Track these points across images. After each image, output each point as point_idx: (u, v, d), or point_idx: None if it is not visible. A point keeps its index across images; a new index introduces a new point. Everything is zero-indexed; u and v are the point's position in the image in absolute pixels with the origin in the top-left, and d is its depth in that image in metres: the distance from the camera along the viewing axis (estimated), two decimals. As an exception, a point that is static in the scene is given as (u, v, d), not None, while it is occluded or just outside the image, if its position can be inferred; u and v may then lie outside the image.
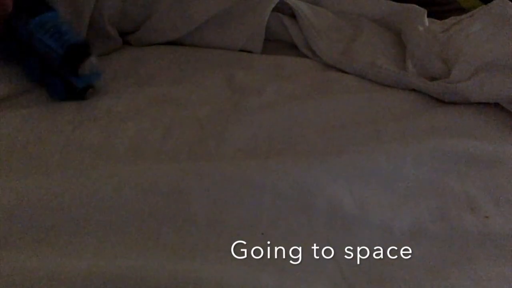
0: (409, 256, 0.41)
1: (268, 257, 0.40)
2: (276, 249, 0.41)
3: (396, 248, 0.42)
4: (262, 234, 0.42)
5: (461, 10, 0.71)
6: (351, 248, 0.42)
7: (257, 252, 0.40)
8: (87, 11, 0.66)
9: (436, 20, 0.73)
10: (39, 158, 0.48)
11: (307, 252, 0.41)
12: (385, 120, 0.57)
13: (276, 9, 0.72)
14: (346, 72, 0.68)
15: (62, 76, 0.56)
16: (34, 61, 0.57)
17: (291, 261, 0.40)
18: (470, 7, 0.75)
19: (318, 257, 0.41)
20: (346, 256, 0.41)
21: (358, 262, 0.41)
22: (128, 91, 0.60)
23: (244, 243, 0.41)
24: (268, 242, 0.41)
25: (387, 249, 0.42)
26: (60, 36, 0.55)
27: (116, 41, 0.70)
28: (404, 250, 0.42)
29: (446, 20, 0.71)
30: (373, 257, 0.41)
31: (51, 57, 0.55)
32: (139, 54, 0.68)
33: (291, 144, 0.52)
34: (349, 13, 0.78)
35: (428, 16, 0.73)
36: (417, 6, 0.74)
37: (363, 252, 0.42)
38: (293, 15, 0.75)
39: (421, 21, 0.71)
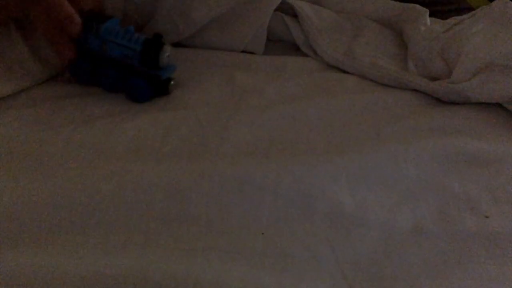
0: (410, 256, 0.41)
1: (268, 257, 0.40)
2: (276, 249, 0.41)
3: (396, 247, 0.42)
4: (262, 234, 0.42)
5: (469, 10, 0.70)
6: (352, 247, 0.42)
7: (257, 252, 0.40)
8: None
9: (438, 20, 0.73)
10: (39, 158, 0.48)
11: (307, 252, 0.41)
12: (386, 120, 0.57)
13: (277, 8, 0.72)
14: (347, 72, 0.68)
15: (143, 74, 0.57)
16: (111, 71, 0.58)
17: (291, 261, 0.40)
18: (478, 7, 0.75)
19: (318, 257, 0.41)
20: (346, 256, 0.41)
21: (359, 262, 0.41)
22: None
23: (244, 243, 0.41)
24: (268, 242, 0.41)
25: (387, 248, 0.42)
26: (131, 35, 0.56)
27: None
28: (404, 249, 0.42)
29: (448, 20, 0.71)
30: (374, 257, 0.41)
31: (128, 57, 0.56)
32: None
33: (291, 144, 0.52)
34: (350, 13, 0.78)
35: (433, 15, 0.73)
36: (418, 6, 0.74)
37: (363, 252, 0.42)
38: (294, 15, 0.75)
39: (422, 21, 0.71)
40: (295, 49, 0.74)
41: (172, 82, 0.59)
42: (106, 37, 0.56)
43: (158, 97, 0.59)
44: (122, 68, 0.57)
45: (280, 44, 0.75)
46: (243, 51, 0.72)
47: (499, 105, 0.59)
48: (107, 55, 0.57)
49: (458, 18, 0.70)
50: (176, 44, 0.71)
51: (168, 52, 0.57)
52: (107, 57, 0.57)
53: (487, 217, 0.45)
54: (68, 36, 0.55)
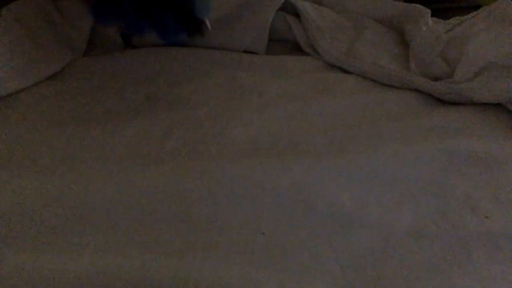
0: (410, 256, 0.41)
1: (268, 257, 0.40)
2: (276, 249, 0.41)
3: (396, 247, 0.42)
4: (262, 234, 0.42)
5: (476, 8, 0.70)
6: (352, 247, 0.42)
7: (257, 252, 0.40)
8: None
9: (439, 20, 0.73)
10: (39, 158, 0.48)
11: (308, 252, 0.41)
12: (387, 120, 0.57)
13: (279, 7, 0.72)
14: (349, 72, 0.68)
15: (173, 9, 0.51)
16: (139, 9, 0.51)
17: (291, 261, 0.40)
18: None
19: (318, 257, 0.41)
20: (346, 256, 0.41)
21: (359, 262, 0.41)
22: (128, 90, 0.60)
23: (244, 243, 0.41)
24: (268, 242, 0.41)
25: (387, 248, 0.42)
26: None
27: (118, 41, 0.70)
28: (404, 249, 0.42)
29: (449, 20, 0.71)
30: (374, 257, 0.41)
31: None
32: (140, 54, 0.69)
33: (292, 144, 0.52)
34: (352, 13, 0.78)
35: (442, 13, 0.73)
36: (420, 6, 0.74)
37: (364, 252, 0.42)
38: (296, 14, 0.75)
39: (424, 21, 0.71)
40: (296, 49, 0.74)
41: (207, 23, 0.53)
42: None
43: (190, 36, 0.53)
44: (148, 4, 0.51)
45: (282, 43, 0.75)
46: (245, 51, 0.72)
47: (500, 105, 0.59)
48: None
49: (460, 18, 0.70)
50: (178, 44, 0.71)
51: None
52: None
53: (487, 217, 0.45)
54: None
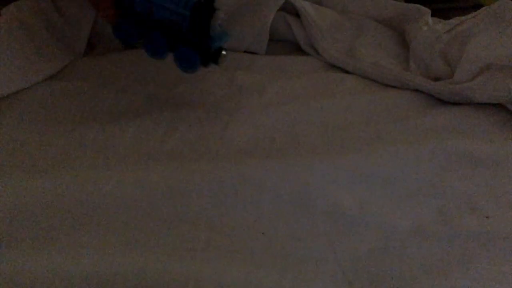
0: (410, 256, 0.41)
1: (268, 257, 0.40)
2: (276, 249, 0.41)
3: (396, 247, 0.42)
4: (262, 234, 0.42)
5: (476, 8, 0.70)
6: (352, 247, 0.42)
7: (257, 252, 0.40)
8: (92, 16, 0.67)
9: (440, 20, 0.73)
10: (39, 158, 0.48)
11: (308, 252, 0.41)
12: (387, 120, 0.57)
13: (279, 7, 0.72)
14: (349, 72, 0.68)
15: (192, 42, 0.52)
16: (158, 35, 0.52)
17: (291, 261, 0.40)
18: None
19: (318, 257, 0.41)
20: (346, 256, 0.41)
21: (359, 262, 0.41)
22: (129, 90, 0.60)
23: (244, 243, 0.41)
24: (268, 242, 0.41)
25: (387, 248, 0.42)
26: None
27: (118, 42, 0.70)
28: (404, 249, 0.42)
29: (450, 21, 0.71)
30: (374, 257, 0.41)
31: (177, 23, 0.51)
32: (140, 54, 0.68)
33: (292, 144, 0.52)
34: (352, 13, 0.78)
35: (444, 13, 0.73)
36: (421, 6, 0.74)
37: (363, 252, 0.42)
38: (296, 14, 0.75)
39: (425, 21, 0.71)
40: (296, 49, 0.74)
41: (223, 52, 0.53)
42: None
43: (206, 67, 0.54)
44: (169, 33, 0.52)
45: (282, 44, 0.75)
46: (245, 51, 0.72)
47: (500, 106, 0.59)
48: (154, 18, 0.52)
49: (460, 18, 0.69)
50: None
51: (219, 19, 0.51)
52: (154, 21, 0.52)
53: (487, 217, 0.45)
54: None
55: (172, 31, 0.52)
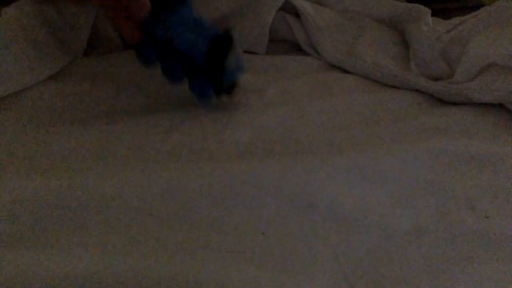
0: (410, 256, 0.41)
1: (268, 257, 0.40)
2: (276, 249, 0.41)
3: (396, 247, 0.42)
4: (262, 234, 0.42)
5: (476, 8, 0.70)
6: (352, 247, 0.42)
7: (257, 252, 0.40)
8: (92, 16, 0.67)
9: (440, 20, 0.73)
10: (39, 158, 0.48)
11: (308, 252, 0.41)
12: (387, 120, 0.57)
13: (279, 7, 0.72)
14: (349, 72, 0.68)
15: (207, 74, 0.52)
16: (176, 62, 0.53)
17: (291, 261, 0.40)
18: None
19: (318, 257, 0.41)
20: (346, 256, 0.41)
21: (359, 262, 0.41)
22: (128, 91, 0.60)
23: (244, 243, 0.41)
24: (268, 242, 0.41)
25: (387, 248, 0.42)
26: (201, 30, 0.51)
27: (118, 42, 0.70)
28: (404, 249, 0.42)
29: (450, 21, 0.71)
30: (374, 257, 0.41)
31: (194, 54, 0.52)
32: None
33: (292, 144, 0.52)
34: (352, 13, 0.78)
35: (445, 13, 0.73)
36: (421, 6, 0.74)
37: (363, 252, 0.41)
38: (296, 14, 0.75)
39: (425, 21, 0.71)
40: (296, 49, 0.74)
41: (236, 88, 0.55)
42: (173, 28, 0.51)
43: (219, 98, 0.55)
44: (186, 62, 0.53)
45: (282, 44, 0.75)
46: (245, 51, 0.72)
47: (500, 106, 0.59)
48: (173, 45, 0.52)
49: (460, 18, 0.70)
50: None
51: (235, 57, 0.52)
52: (173, 48, 0.53)
53: (487, 217, 0.45)
54: (133, 18, 0.51)
55: (189, 60, 0.53)
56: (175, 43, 0.52)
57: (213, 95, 0.55)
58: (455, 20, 0.70)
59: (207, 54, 0.51)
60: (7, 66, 0.57)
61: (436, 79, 0.63)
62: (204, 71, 0.53)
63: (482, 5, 0.71)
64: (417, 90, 0.63)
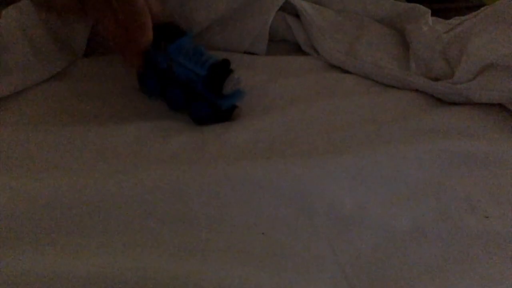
0: (410, 256, 0.41)
1: (268, 257, 0.40)
2: (276, 249, 0.41)
3: (396, 247, 0.42)
4: (262, 234, 0.42)
5: (477, 8, 0.70)
6: (352, 248, 0.42)
7: (257, 252, 0.40)
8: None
9: (440, 20, 0.73)
10: (39, 158, 0.48)
11: (308, 252, 0.41)
12: (387, 120, 0.57)
13: (279, 8, 0.72)
14: (349, 72, 0.68)
15: (206, 98, 0.54)
16: (176, 91, 0.56)
17: (291, 261, 0.40)
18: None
19: (318, 257, 0.41)
20: (346, 256, 0.41)
21: (359, 262, 0.41)
22: (129, 91, 0.60)
23: (244, 243, 0.41)
24: (268, 242, 0.41)
25: (387, 248, 0.42)
26: (200, 57, 0.53)
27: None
28: (404, 249, 0.42)
29: (450, 20, 0.71)
30: (374, 257, 0.41)
31: (193, 81, 0.54)
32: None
33: (292, 145, 0.52)
34: (352, 13, 0.78)
35: (441, 14, 0.73)
36: (421, 6, 0.74)
37: (364, 252, 0.42)
38: (296, 15, 0.75)
39: (425, 21, 0.70)
40: (296, 49, 0.74)
41: (235, 110, 0.56)
42: (173, 57, 0.54)
43: (218, 123, 0.56)
44: (187, 89, 0.55)
45: (282, 44, 0.75)
46: (245, 52, 0.72)
47: (500, 106, 0.59)
48: (174, 74, 0.55)
49: (461, 18, 0.70)
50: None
51: (233, 81, 0.53)
52: (173, 76, 0.55)
53: (487, 217, 0.45)
54: (134, 43, 0.51)
55: (188, 87, 0.55)
56: (176, 72, 0.55)
57: (212, 120, 0.56)
58: (455, 20, 0.70)
59: (207, 79, 0.53)
60: (7, 66, 0.57)
61: (436, 79, 0.63)
62: (204, 96, 0.54)
63: (482, 5, 0.71)
64: (417, 90, 0.63)
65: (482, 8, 0.67)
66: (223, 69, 0.53)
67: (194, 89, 0.55)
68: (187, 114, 0.57)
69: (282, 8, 0.73)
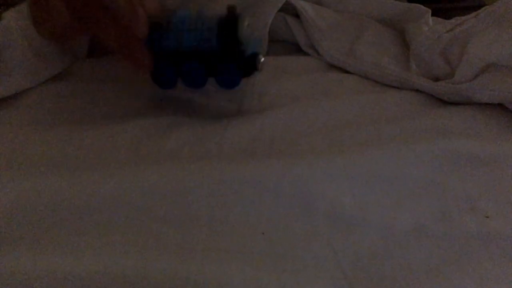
0: (410, 256, 0.41)
1: (268, 257, 0.40)
2: (276, 249, 0.41)
3: (396, 247, 0.42)
4: (262, 234, 0.42)
5: (477, 8, 0.70)
6: (352, 247, 0.42)
7: (257, 252, 0.40)
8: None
9: (440, 20, 0.73)
10: (39, 158, 0.48)
11: (307, 252, 0.41)
12: (387, 120, 0.57)
13: (279, 8, 0.72)
14: (349, 72, 0.68)
15: (227, 57, 0.52)
16: (194, 64, 0.53)
17: (291, 261, 0.40)
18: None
19: (318, 257, 0.41)
20: (346, 256, 0.41)
21: (359, 262, 0.41)
22: (129, 92, 0.60)
23: (244, 243, 0.41)
24: (268, 242, 0.41)
25: (387, 248, 0.42)
26: (204, 17, 0.51)
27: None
28: (404, 249, 0.42)
29: (451, 20, 0.71)
30: (374, 257, 0.41)
31: (206, 40, 0.51)
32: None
33: (292, 145, 0.52)
34: (352, 13, 0.78)
35: (441, 14, 0.73)
36: (421, 6, 0.74)
37: (364, 252, 0.41)
38: (296, 15, 0.75)
39: (425, 21, 0.70)
40: (296, 49, 0.74)
41: (260, 57, 0.53)
42: (179, 27, 0.51)
43: (249, 76, 0.53)
44: (203, 59, 0.52)
45: (282, 44, 0.75)
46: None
47: (500, 105, 0.59)
48: (185, 47, 0.52)
49: (461, 18, 0.69)
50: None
51: (246, 22, 0.51)
52: (186, 50, 0.52)
53: (487, 217, 0.45)
54: (137, 39, 0.50)
55: (205, 56, 0.52)
56: (187, 43, 0.51)
57: (241, 78, 0.54)
58: (455, 20, 0.70)
59: (220, 34, 0.50)
60: (8, 68, 0.58)
61: (436, 79, 0.63)
62: (223, 56, 0.52)
63: (482, 5, 0.71)
64: (417, 90, 0.63)
65: (482, 8, 0.67)
66: (232, 19, 0.51)
67: (210, 55, 0.52)
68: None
69: (282, 9, 0.73)
